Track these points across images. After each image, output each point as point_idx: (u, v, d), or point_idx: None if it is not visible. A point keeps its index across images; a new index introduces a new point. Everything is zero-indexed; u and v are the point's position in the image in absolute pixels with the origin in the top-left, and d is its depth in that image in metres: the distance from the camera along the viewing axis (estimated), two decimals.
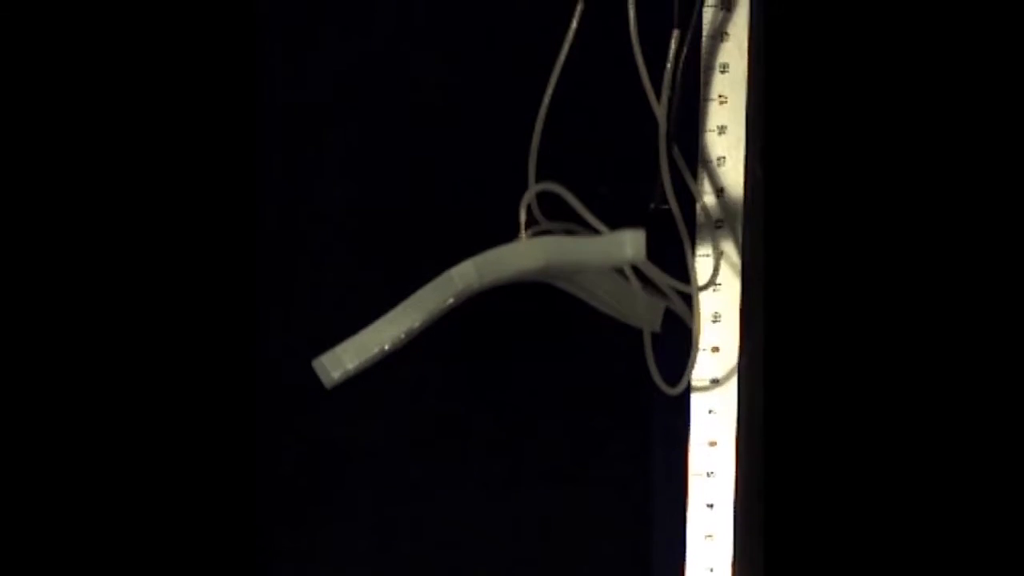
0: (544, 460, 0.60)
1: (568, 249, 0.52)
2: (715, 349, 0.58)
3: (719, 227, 0.58)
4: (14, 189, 0.58)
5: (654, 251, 0.53)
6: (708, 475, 0.58)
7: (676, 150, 0.57)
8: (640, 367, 0.58)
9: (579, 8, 0.57)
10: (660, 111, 0.56)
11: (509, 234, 0.55)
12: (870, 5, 0.56)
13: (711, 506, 0.58)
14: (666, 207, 0.57)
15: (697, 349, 0.57)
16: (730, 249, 0.58)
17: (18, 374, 0.58)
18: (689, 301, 0.57)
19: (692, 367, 0.57)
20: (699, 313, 0.57)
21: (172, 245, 0.59)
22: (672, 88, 0.56)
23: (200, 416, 0.59)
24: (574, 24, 0.57)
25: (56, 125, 0.58)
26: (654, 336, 0.58)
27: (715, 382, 0.58)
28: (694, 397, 0.58)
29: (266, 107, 0.62)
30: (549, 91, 0.57)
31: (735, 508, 0.57)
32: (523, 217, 0.56)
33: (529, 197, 0.56)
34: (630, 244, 0.51)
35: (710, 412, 0.58)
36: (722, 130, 0.58)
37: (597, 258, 0.52)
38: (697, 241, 0.58)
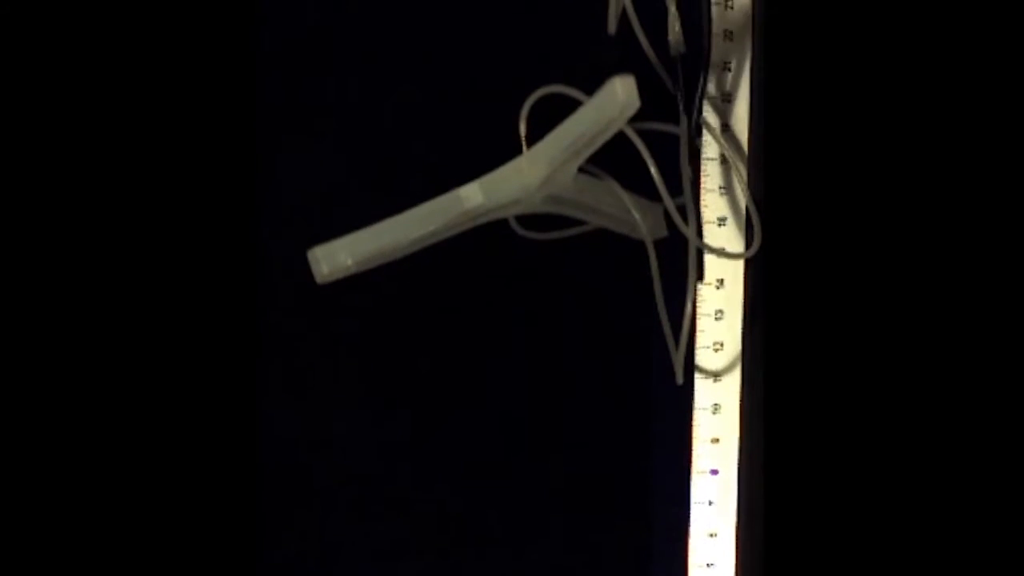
0: (544, 551, 0.60)
1: (564, 136, 0.51)
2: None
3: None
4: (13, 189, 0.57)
5: None
6: (708, 566, 0.58)
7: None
8: (639, 457, 0.58)
9: None
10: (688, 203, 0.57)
11: None
12: (869, 85, 0.57)
13: None
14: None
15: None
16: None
17: (17, 373, 0.56)
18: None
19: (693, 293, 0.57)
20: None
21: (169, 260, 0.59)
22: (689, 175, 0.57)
23: (200, 509, 0.58)
24: None
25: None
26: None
27: (717, 375, 0.58)
28: (693, 490, 0.58)
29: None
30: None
31: None
32: (523, 130, 0.56)
33: (529, 104, 0.56)
34: (621, 87, 0.49)
35: (710, 503, 0.58)
36: (722, 222, 0.59)
37: (595, 120, 0.50)
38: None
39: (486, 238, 0.53)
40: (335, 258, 0.50)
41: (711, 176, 0.58)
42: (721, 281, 0.59)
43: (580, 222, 0.57)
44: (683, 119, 0.57)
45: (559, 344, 0.60)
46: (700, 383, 0.58)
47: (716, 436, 0.58)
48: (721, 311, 0.58)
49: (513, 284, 0.60)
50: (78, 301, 0.57)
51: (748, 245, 0.58)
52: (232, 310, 0.59)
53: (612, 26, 0.57)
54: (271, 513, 0.60)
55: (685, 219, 0.56)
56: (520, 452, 0.60)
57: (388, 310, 0.60)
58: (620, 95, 0.49)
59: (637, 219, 0.56)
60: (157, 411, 0.58)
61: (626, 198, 0.57)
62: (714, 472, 0.58)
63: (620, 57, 0.56)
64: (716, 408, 0.58)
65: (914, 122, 0.57)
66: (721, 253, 0.58)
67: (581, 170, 0.54)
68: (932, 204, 0.56)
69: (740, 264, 0.58)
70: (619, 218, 0.57)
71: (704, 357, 0.58)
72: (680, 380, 0.57)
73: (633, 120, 0.50)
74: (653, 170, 0.55)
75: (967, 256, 0.56)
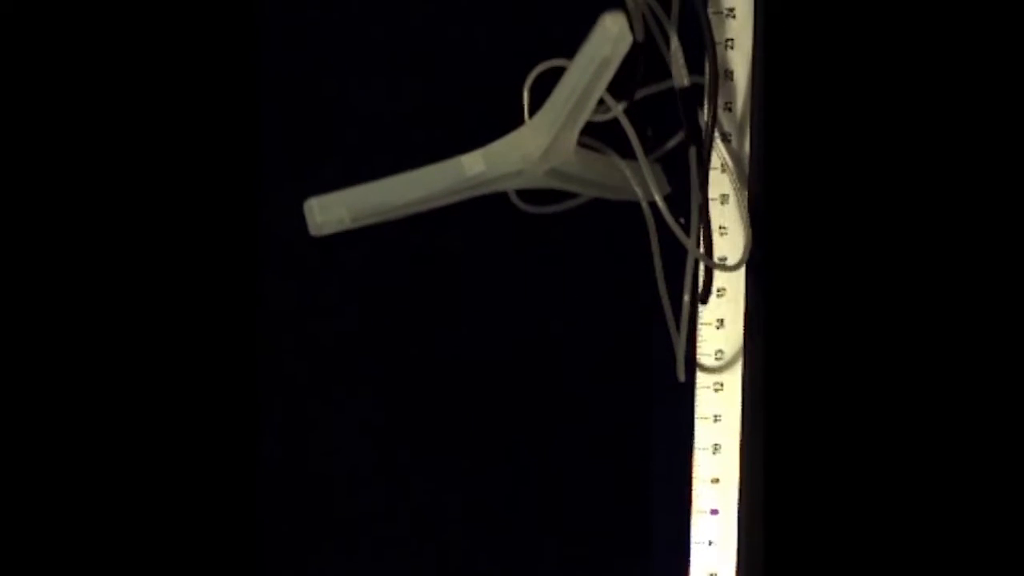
0: None
1: (563, 91, 0.51)
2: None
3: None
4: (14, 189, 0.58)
5: None
6: None
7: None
8: (639, 496, 0.58)
9: None
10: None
11: None
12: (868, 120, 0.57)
13: None
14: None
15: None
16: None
17: (16, 375, 0.57)
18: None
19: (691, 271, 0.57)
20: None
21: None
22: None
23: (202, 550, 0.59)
24: None
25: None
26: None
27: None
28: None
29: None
30: None
31: None
32: (526, 100, 0.56)
33: (532, 76, 0.56)
34: (611, 22, 0.49)
35: (710, 543, 0.58)
36: (722, 261, 0.59)
37: (590, 61, 0.51)
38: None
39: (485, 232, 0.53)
40: (331, 210, 0.51)
41: (712, 213, 0.58)
42: (721, 321, 0.58)
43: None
44: (692, 150, 0.57)
45: (558, 371, 0.61)
46: (700, 423, 0.58)
47: (716, 476, 0.58)
48: (721, 351, 0.58)
49: (512, 276, 0.61)
50: (78, 303, 0.58)
51: (747, 286, 0.58)
52: (232, 314, 0.59)
53: (639, 34, 0.56)
54: (268, 553, 0.60)
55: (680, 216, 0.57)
56: (516, 485, 0.60)
57: (385, 300, 0.61)
58: (611, 29, 0.50)
59: (639, 193, 0.57)
60: (155, 423, 0.58)
61: (626, 168, 0.57)
62: (714, 512, 0.58)
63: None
64: (716, 448, 0.58)
65: (915, 151, 0.56)
66: (710, 263, 0.58)
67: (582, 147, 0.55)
68: (934, 225, 0.56)
69: (740, 304, 0.58)
70: (620, 189, 0.58)
71: (705, 397, 0.58)
72: (682, 377, 0.57)
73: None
74: (636, 147, 0.55)
75: (968, 255, 0.56)
